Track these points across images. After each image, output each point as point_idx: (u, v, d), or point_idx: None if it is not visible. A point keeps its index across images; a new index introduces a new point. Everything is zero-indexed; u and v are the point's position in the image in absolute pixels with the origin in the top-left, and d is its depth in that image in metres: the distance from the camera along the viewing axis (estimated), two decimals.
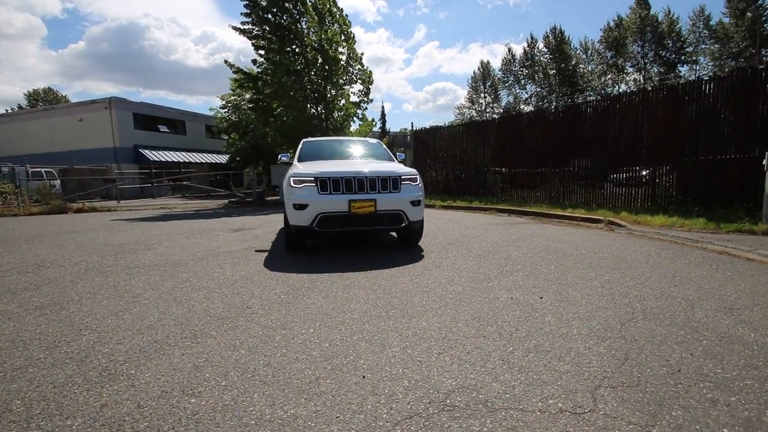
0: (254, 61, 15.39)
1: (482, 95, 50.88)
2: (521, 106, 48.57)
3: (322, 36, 14.76)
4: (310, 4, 14.59)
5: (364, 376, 1.88)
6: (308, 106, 15.79)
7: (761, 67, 9.03)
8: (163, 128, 26.12)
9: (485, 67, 50.39)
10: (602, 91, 46.05)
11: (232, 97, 22.35)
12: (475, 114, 50.69)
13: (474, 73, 52.27)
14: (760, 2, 34.83)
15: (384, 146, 6.50)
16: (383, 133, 43.07)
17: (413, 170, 4.99)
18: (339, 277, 3.75)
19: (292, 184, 4.62)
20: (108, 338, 2.38)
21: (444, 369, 1.96)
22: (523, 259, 4.41)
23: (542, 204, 10.41)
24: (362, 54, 16.54)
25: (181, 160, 24.73)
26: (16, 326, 2.59)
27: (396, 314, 2.73)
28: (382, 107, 74.92)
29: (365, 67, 16.66)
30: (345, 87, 16.53)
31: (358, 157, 5.95)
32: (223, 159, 26.90)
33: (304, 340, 2.33)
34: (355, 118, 17.83)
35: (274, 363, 2.04)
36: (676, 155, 8.36)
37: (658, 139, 8.62)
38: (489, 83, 50.19)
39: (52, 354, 2.17)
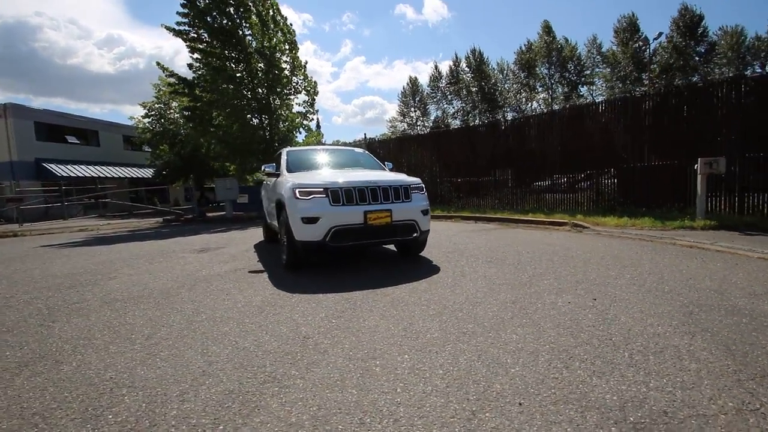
0: (190, 66, 14.17)
1: (412, 109, 52.87)
2: (449, 120, 51.46)
3: (265, 43, 14.11)
4: (253, 10, 13.88)
5: (520, 403, 1.69)
6: (252, 115, 14.94)
7: (642, 93, 10.74)
8: (72, 139, 22.56)
9: (414, 82, 52.55)
10: (518, 108, 50.81)
11: (157, 105, 20.26)
12: (406, 127, 52.43)
13: (404, 88, 54.16)
14: (639, 34, 41.38)
15: (371, 155, 6.30)
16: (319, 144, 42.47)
17: (418, 179, 4.87)
18: (374, 294, 3.45)
19: (297, 195, 4.21)
20: (160, 395, 1.85)
21: (589, 384, 1.84)
22: (535, 263, 4.50)
23: (498, 210, 10.94)
24: (306, 63, 16.16)
25: (95, 175, 21.52)
26: (10, 394, 1.91)
27: (477, 329, 2.56)
28: (317, 119, 74.23)
29: (309, 78, 16.26)
30: (290, 97, 15.95)
31: (351, 166, 5.66)
32: (145, 173, 24.14)
33: (410, 368, 2.04)
34: (300, 129, 17.32)
35: (405, 401, 1.74)
36: (617, 162, 9.37)
37: (603, 149, 9.58)
38: (418, 98, 52.35)
39: (99, 427, 1.62)
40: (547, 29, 47.47)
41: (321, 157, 5.92)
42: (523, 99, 50.51)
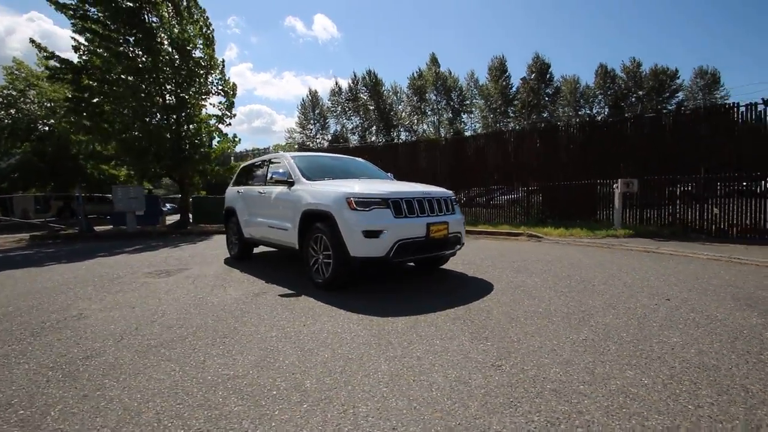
0: (76, 48, 11.44)
1: (312, 122, 52.19)
2: (348, 135, 52.31)
3: (173, 35, 12.33)
4: None
5: None
6: (161, 115, 12.78)
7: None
8: None
9: (314, 95, 52.09)
10: (410, 129, 54.65)
11: (6, 92, 15.72)
12: (305, 139, 51.41)
13: (303, 100, 53.24)
14: (507, 74, 48.88)
15: (373, 165, 5.97)
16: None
17: (452, 192, 4.79)
18: (473, 311, 3.23)
19: (354, 206, 3.73)
20: None
21: None
22: (559, 271, 4.83)
23: None
24: (223, 61, 14.66)
25: None
26: None
27: (633, 339, 2.61)
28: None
29: (228, 79, 14.74)
30: (204, 97, 14.16)
31: (363, 176, 5.24)
32: None
33: (672, 376, 1.96)
34: (215, 134, 15.42)
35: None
36: (542, 180, 10.79)
37: (532, 168, 10.93)
38: (318, 111, 51.98)
39: None
40: (434, 60, 52.55)
41: (332, 164, 5.35)
42: (415, 120, 54.59)
